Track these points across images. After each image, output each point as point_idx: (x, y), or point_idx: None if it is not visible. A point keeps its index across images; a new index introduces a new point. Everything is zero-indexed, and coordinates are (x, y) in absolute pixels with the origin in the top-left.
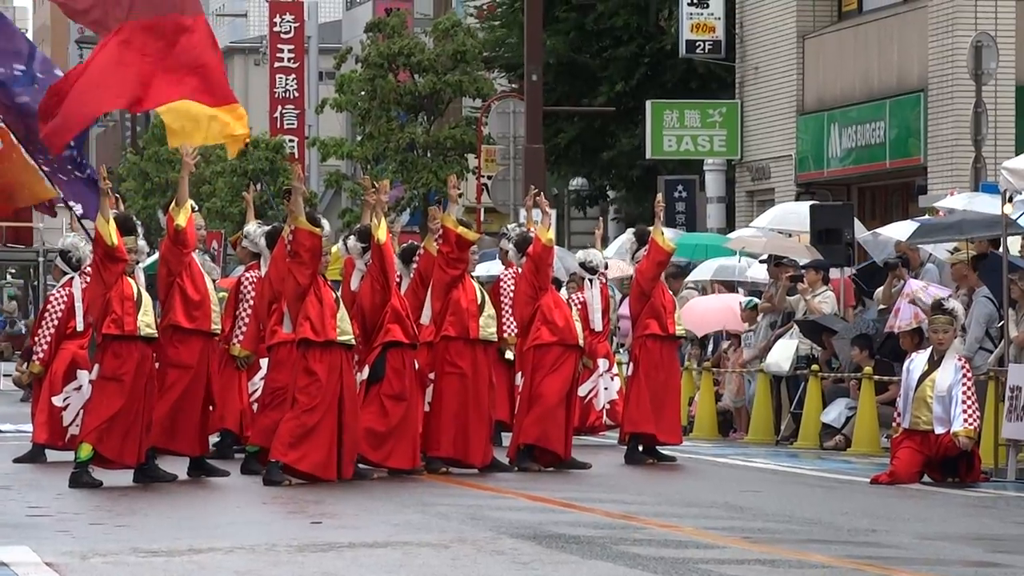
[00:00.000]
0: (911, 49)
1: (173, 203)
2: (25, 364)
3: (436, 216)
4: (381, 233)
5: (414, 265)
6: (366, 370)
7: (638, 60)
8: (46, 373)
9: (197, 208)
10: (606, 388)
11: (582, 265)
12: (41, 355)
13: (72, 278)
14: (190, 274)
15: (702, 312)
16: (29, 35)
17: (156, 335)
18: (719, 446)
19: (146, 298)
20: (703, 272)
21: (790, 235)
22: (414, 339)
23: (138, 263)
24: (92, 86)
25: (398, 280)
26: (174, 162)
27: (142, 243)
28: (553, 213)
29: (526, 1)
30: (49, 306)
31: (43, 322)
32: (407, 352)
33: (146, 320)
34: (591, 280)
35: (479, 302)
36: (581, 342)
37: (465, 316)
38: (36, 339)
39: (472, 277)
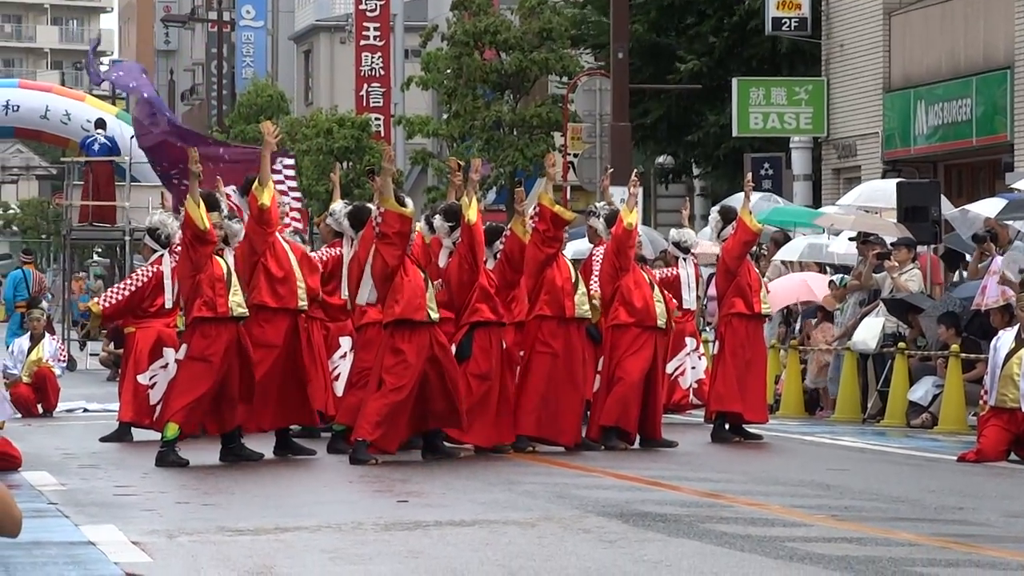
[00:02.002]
0: (998, 26)
1: (256, 183)
2: (111, 344)
3: (522, 198)
4: (472, 213)
5: (498, 246)
6: (452, 349)
7: (720, 35)
8: (100, 322)
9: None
10: (693, 367)
11: (676, 244)
12: (106, 305)
13: (162, 256)
14: (273, 253)
15: (774, 290)
16: (115, 14)
17: (247, 313)
18: (806, 424)
19: (234, 277)
20: (792, 252)
21: (877, 212)
22: (502, 318)
23: (228, 244)
24: None
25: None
26: (259, 141)
27: (239, 226)
28: (640, 192)
29: None
30: (134, 274)
31: (123, 283)
32: (494, 331)
33: (237, 300)
34: (685, 259)
35: (573, 280)
36: (660, 323)
37: (560, 295)
38: (110, 290)
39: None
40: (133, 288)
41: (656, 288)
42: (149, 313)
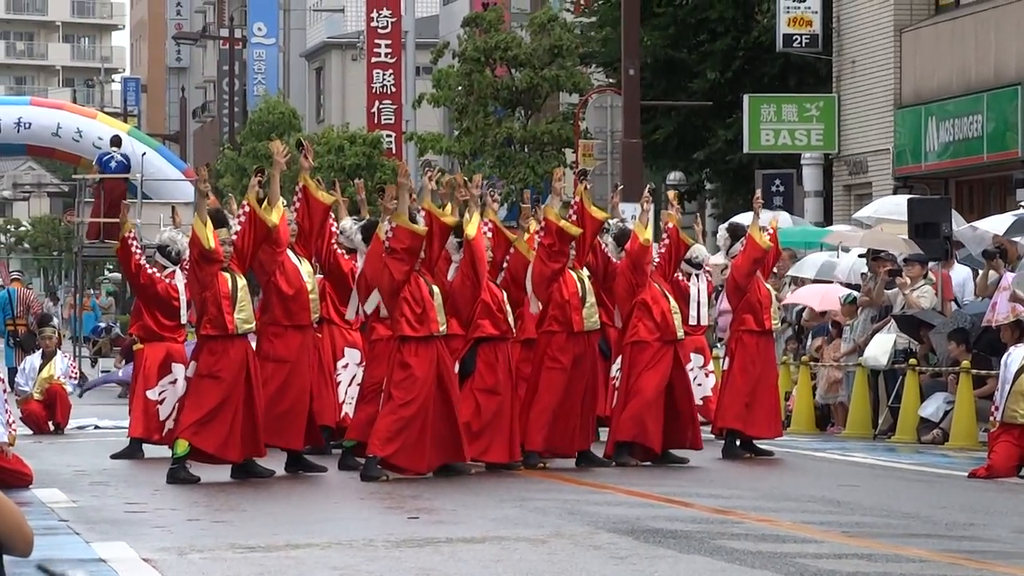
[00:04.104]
0: (1008, 42)
1: (265, 203)
2: (124, 361)
3: (528, 214)
4: (471, 228)
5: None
6: (457, 366)
7: (734, 53)
8: (126, 242)
9: (287, 204)
10: (699, 384)
11: (688, 261)
12: (130, 237)
13: (174, 272)
14: (283, 271)
15: (802, 294)
16: (127, 32)
17: (254, 328)
18: (817, 440)
19: (240, 293)
20: (805, 270)
21: (880, 228)
22: (506, 332)
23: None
24: None
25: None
26: (271, 158)
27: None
28: (651, 209)
29: None
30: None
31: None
32: (499, 345)
33: (241, 316)
34: (697, 275)
35: (580, 294)
36: (680, 334)
37: (568, 309)
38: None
39: (570, 269)
40: (149, 268)
41: (672, 299)
42: (164, 325)
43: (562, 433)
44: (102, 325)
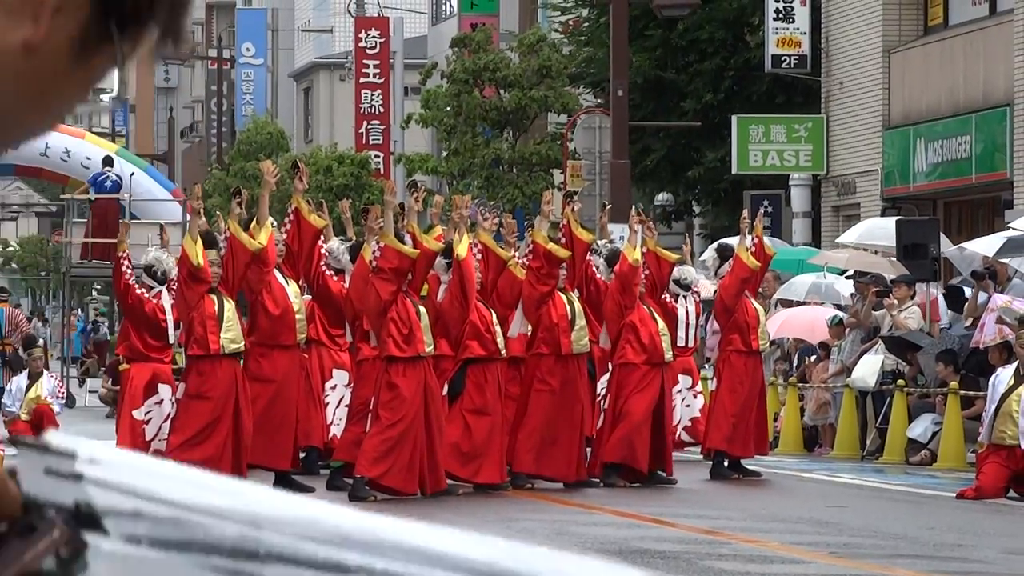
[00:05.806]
0: (997, 63)
1: (253, 222)
2: (110, 380)
3: (513, 229)
4: (461, 248)
5: None
6: (446, 387)
7: (723, 74)
8: (119, 261)
9: (276, 224)
10: (687, 405)
11: (676, 282)
12: (123, 257)
13: (160, 292)
14: (270, 291)
15: (787, 319)
16: None
17: (241, 349)
18: (804, 461)
19: (227, 313)
20: (797, 291)
21: (876, 251)
22: (494, 353)
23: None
24: None
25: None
26: (259, 178)
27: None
28: (641, 230)
29: (612, 16)
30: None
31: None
32: (488, 366)
33: (228, 336)
34: (685, 296)
35: (569, 317)
36: (668, 357)
37: (556, 332)
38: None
39: (561, 291)
40: (137, 288)
41: (661, 321)
42: (151, 345)
43: (555, 458)
44: (90, 327)
